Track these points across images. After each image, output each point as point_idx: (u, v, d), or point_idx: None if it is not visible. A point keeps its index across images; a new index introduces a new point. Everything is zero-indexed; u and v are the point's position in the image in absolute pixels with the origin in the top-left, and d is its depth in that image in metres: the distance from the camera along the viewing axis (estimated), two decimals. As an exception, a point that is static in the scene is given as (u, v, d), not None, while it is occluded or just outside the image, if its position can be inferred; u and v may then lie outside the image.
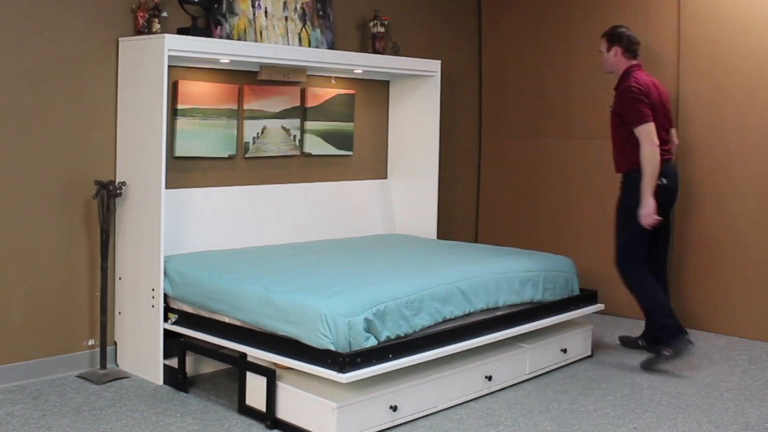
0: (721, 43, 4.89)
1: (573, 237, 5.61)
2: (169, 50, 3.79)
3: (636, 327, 5.12)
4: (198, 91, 4.31)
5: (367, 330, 3.32)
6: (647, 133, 4.22)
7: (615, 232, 4.48)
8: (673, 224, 4.95)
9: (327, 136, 5.00)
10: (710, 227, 4.98)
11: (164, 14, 4.08)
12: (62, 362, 3.94)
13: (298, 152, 4.87)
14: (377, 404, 3.30)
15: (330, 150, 5.03)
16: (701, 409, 3.65)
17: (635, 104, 4.28)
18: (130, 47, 4.00)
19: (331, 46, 4.86)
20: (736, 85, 4.84)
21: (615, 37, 4.46)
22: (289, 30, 4.66)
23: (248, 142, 4.60)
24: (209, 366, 4.02)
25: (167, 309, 3.90)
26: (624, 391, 3.90)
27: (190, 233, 4.27)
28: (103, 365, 3.97)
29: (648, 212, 4.21)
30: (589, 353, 4.48)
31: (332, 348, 3.20)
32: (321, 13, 4.84)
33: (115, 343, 4.10)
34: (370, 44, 5.09)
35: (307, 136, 4.89)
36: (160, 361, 3.85)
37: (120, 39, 4.03)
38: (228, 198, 4.49)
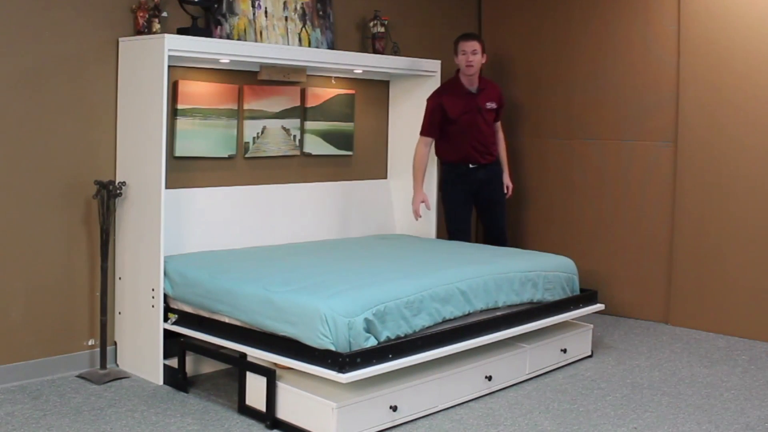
0: (721, 43, 4.89)
1: (573, 237, 5.61)
2: (169, 50, 3.79)
3: (636, 327, 5.13)
4: (198, 91, 4.31)
5: (367, 330, 3.32)
6: None
7: (500, 215, 5.15)
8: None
9: (327, 136, 5.00)
10: (710, 227, 4.98)
11: (164, 14, 4.08)
12: (62, 362, 3.94)
13: (298, 152, 4.87)
14: (377, 404, 3.30)
15: (330, 150, 5.03)
16: (701, 409, 3.65)
17: None
18: (130, 47, 4.00)
19: (331, 46, 4.86)
20: (736, 85, 4.84)
21: (483, 43, 4.96)
22: (289, 30, 4.66)
23: (248, 142, 4.60)
24: (209, 366, 4.02)
25: (167, 309, 3.90)
26: (624, 391, 3.91)
27: (190, 233, 4.27)
28: (103, 365, 3.97)
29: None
30: (589, 353, 4.48)
31: (332, 348, 3.20)
32: (321, 13, 4.84)
33: (115, 343, 4.10)
34: (370, 44, 5.09)
35: (307, 136, 4.89)
36: (160, 361, 3.85)
37: (120, 39, 4.03)
38: (228, 198, 4.49)
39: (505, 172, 5.19)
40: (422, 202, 4.91)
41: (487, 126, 5.01)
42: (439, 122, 4.94)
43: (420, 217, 4.94)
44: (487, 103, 4.99)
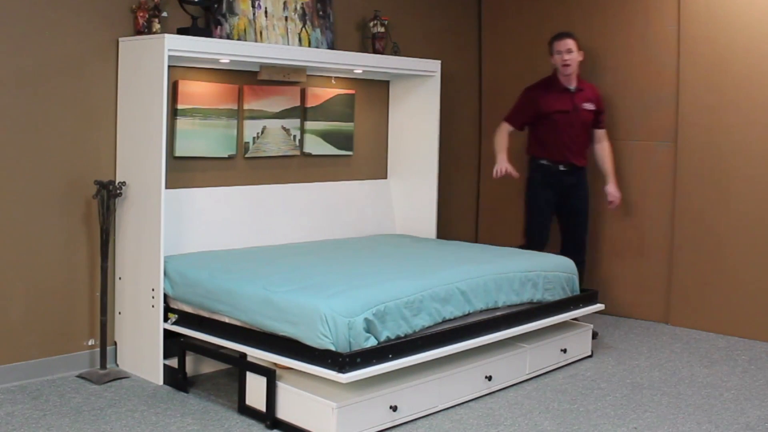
0: (721, 43, 4.89)
1: (573, 237, 5.61)
2: (169, 50, 3.79)
3: (636, 327, 5.13)
4: (198, 91, 4.31)
5: (367, 330, 3.32)
6: None
7: (583, 227, 5.02)
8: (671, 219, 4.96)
9: (327, 136, 5.00)
10: (710, 227, 4.98)
11: (164, 14, 4.08)
12: (62, 362, 3.94)
13: (298, 152, 4.87)
14: (377, 404, 3.30)
15: (330, 150, 5.03)
16: (701, 409, 3.65)
17: None
18: (130, 47, 4.00)
19: (331, 46, 4.86)
20: (736, 86, 4.84)
21: (578, 40, 4.84)
22: (289, 30, 4.66)
23: (248, 142, 4.60)
24: (209, 366, 4.02)
25: (167, 309, 3.90)
26: (624, 391, 3.91)
27: (190, 233, 4.27)
28: (103, 365, 3.97)
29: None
30: (589, 353, 4.48)
31: (332, 348, 3.20)
32: (321, 13, 4.84)
33: (115, 343, 4.10)
34: (370, 44, 5.09)
35: (307, 136, 4.89)
36: (160, 361, 3.85)
37: (120, 39, 4.03)
38: (228, 198, 4.49)
39: (610, 181, 5.01)
40: (506, 169, 4.82)
41: (582, 126, 4.88)
42: (527, 114, 4.89)
43: (498, 176, 4.84)
44: (585, 104, 4.86)
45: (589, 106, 4.89)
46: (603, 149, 5.04)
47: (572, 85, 4.86)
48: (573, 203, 4.99)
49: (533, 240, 4.95)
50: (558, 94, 4.85)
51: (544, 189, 4.93)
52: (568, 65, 4.78)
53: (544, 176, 4.92)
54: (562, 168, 4.88)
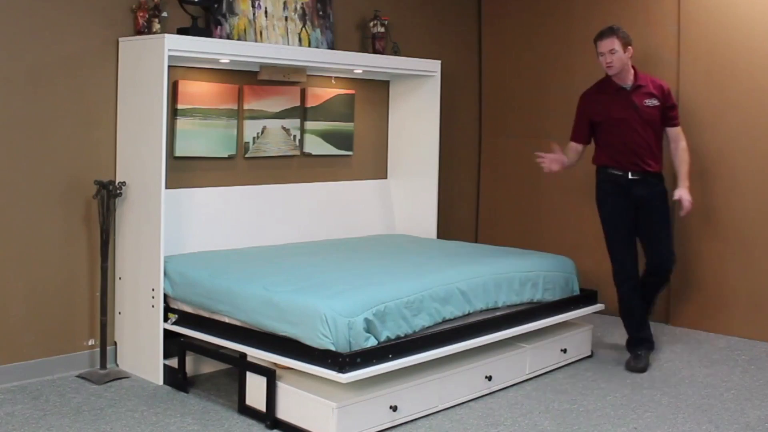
0: (721, 43, 4.89)
1: (573, 237, 5.61)
2: (169, 50, 3.79)
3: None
4: (198, 91, 4.31)
5: (367, 330, 3.32)
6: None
7: (664, 232, 4.42)
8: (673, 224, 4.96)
9: (327, 136, 5.00)
10: (710, 227, 4.98)
11: (164, 14, 4.08)
12: (62, 362, 3.94)
13: (298, 152, 4.87)
14: (377, 404, 3.30)
15: (330, 150, 5.03)
16: (701, 409, 3.65)
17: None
18: (130, 47, 4.00)
19: (331, 46, 4.86)
20: (736, 85, 4.84)
21: (628, 38, 4.37)
22: (289, 30, 4.66)
23: (248, 142, 4.60)
24: (209, 366, 4.02)
25: (167, 309, 3.90)
26: (624, 391, 3.91)
27: (190, 233, 4.27)
28: (103, 365, 3.97)
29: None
30: (589, 353, 4.48)
31: (332, 348, 3.20)
32: (321, 13, 4.84)
33: (115, 343, 4.10)
34: (370, 44, 5.09)
35: (307, 136, 4.90)
36: (160, 361, 3.85)
37: (120, 39, 4.03)
38: (228, 198, 4.49)
39: (681, 185, 4.37)
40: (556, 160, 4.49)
41: (646, 127, 4.30)
42: (585, 125, 4.48)
43: (545, 164, 4.52)
44: (646, 101, 4.30)
45: (652, 102, 4.31)
46: (677, 150, 4.41)
47: (628, 83, 4.35)
48: (650, 216, 4.38)
49: (618, 265, 4.39)
50: (612, 96, 4.37)
51: (617, 200, 4.40)
52: (611, 66, 4.30)
53: (614, 186, 4.40)
54: (631, 176, 4.33)
